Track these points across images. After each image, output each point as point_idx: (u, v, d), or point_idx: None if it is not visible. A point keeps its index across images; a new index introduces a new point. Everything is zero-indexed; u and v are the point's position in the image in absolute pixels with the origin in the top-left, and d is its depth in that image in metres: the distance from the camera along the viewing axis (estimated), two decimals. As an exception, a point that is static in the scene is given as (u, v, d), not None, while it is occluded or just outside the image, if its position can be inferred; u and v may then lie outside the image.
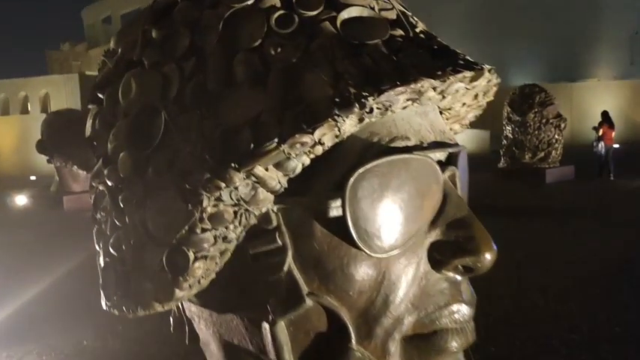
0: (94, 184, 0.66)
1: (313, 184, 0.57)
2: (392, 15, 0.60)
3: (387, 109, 0.54)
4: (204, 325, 0.66)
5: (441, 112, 0.69)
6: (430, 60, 0.55)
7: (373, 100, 0.52)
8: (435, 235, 0.59)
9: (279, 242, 0.57)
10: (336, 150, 0.55)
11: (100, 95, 0.66)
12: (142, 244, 0.58)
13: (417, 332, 0.59)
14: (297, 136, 0.51)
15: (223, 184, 0.53)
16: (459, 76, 0.55)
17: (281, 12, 0.56)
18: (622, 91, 25.10)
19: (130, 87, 0.60)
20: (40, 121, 12.60)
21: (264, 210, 0.56)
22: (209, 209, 0.54)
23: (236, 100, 0.54)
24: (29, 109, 26.32)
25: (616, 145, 14.21)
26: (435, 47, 0.58)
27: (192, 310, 0.68)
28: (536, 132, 13.32)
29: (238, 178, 0.53)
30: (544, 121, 13.18)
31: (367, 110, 0.52)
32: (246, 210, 0.56)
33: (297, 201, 0.57)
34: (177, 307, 0.70)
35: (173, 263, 0.56)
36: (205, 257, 0.56)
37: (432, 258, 0.59)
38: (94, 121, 0.66)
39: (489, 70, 0.60)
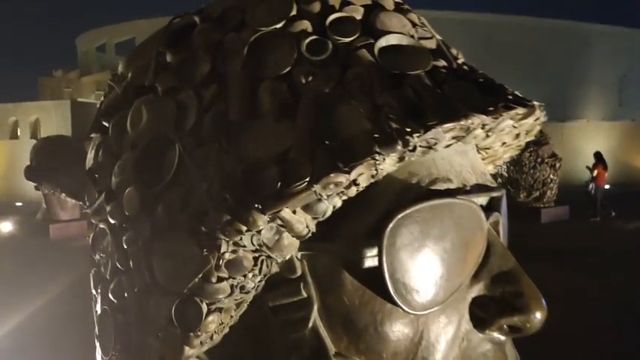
0: (93, 221, 0.60)
1: (343, 229, 0.50)
2: (432, 44, 0.54)
3: (430, 148, 0.48)
4: None
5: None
6: (478, 94, 0.50)
7: (418, 137, 0.46)
8: (477, 290, 0.53)
9: (304, 294, 0.50)
10: (369, 191, 0.49)
11: (105, 123, 0.59)
12: (148, 293, 0.51)
13: None
14: (331, 175, 0.45)
15: (244, 228, 0.47)
16: (512, 113, 0.49)
17: (313, 37, 0.51)
18: (611, 132, 25.36)
19: (141, 115, 0.54)
20: (29, 146, 12.47)
21: (287, 257, 0.50)
22: (227, 255, 0.48)
23: (261, 134, 0.48)
24: (19, 134, 26.17)
25: (607, 186, 14.26)
26: (481, 80, 0.52)
27: None
28: (532, 171, 13.32)
29: (262, 221, 0.47)
30: (539, 160, 13.20)
31: (410, 148, 0.46)
32: (268, 257, 0.49)
33: (325, 247, 0.50)
34: None
35: (183, 316, 0.49)
36: (220, 310, 0.49)
37: (475, 316, 0.53)
38: (97, 152, 0.60)
39: (539, 108, 0.54)
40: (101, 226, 0.58)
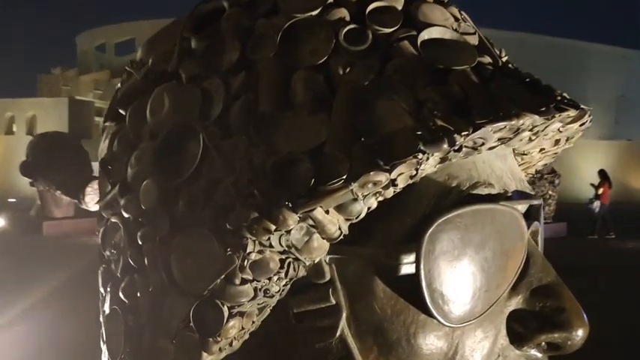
0: (104, 214, 0.56)
1: (376, 232, 0.47)
2: (474, 40, 0.51)
3: (475, 149, 0.45)
4: None
5: None
6: (527, 94, 0.46)
7: (466, 136, 0.42)
8: (515, 303, 0.50)
9: (333, 300, 0.47)
10: (406, 193, 0.46)
11: (122, 111, 0.56)
12: (164, 293, 0.48)
13: None
14: (371, 173, 0.42)
15: (273, 227, 0.43)
16: (564, 114, 0.46)
17: (352, 26, 0.48)
18: (609, 151, 25.42)
19: (162, 103, 0.51)
20: (25, 142, 12.39)
21: (316, 260, 0.46)
22: (253, 256, 0.44)
23: (293, 126, 0.45)
24: (14, 129, 26.07)
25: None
26: (527, 79, 0.49)
27: None
28: (531, 186, 13.29)
29: (293, 220, 0.43)
30: (538, 176, 13.13)
31: (456, 148, 0.43)
32: (296, 259, 0.45)
33: (355, 251, 0.47)
34: None
35: (202, 319, 0.46)
36: (242, 314, 0.46)
37: (512, 331, 0.49)
38: (111, 141, 0.56)
39: (588, 112, 0.51)
40: (113, 220, 0.54)
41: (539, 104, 0.45)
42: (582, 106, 0.49)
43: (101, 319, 0.57)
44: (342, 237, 0.45)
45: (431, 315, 0.45)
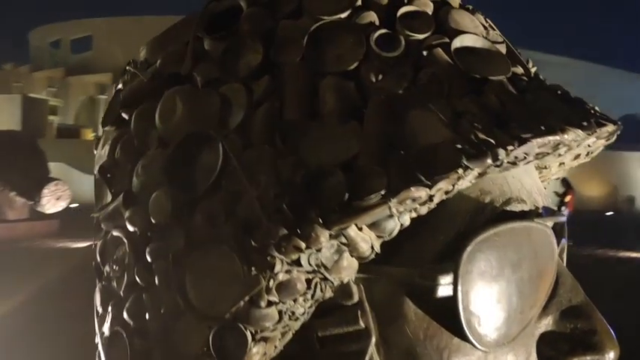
0: (104, 227, 0.52)
1: (407, 251, 0.44)
2: (503, 49, 0.49)
3: (514, 164, 0.43)
4: None
5: None
6: (564, 107, 0.44)
7: (511, 151, 0.40)
8: (545, 325, 0.47)
9: (362, 324, 0.43)
10: (438, 209, 0.43)
11: (125, 115, 0.52)
12: (178, 315, 0.44)
13: None
14: (412, 189, 0.39)
15: (304, 245, 0.40)
16: (604, 130, 0.44)
17: (383, 31, 0.45)
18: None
19: (174, 108, 0.47)
20: (-27, 141, 11.94)
21: (345, 280, 0.43)
22: (280, 276, 0.41)
23: (323, 136, 0.42)
24: (-37, 127, 25.18)
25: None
26: (559, 92, 0.47)
27: None
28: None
29: (325, 237, 0.40)
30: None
31: (498, 163, 0.41)
32: (323, 279, 0.42)
33: (384, 271, 0.44)
34: None
35: (223, 345, 0.42)
36: (265, 339, 0.42)
37: (542, 354, 0.47)
38: (112, 148, 0.52)
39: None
40: (115, 233, 0.50)
41: (581, 118, 0.43)
42: (617, 121, 0.47)
43: (98, 341, 0.53)
44: (373, 256, 0.42)
45: (466, 339, 0.43)
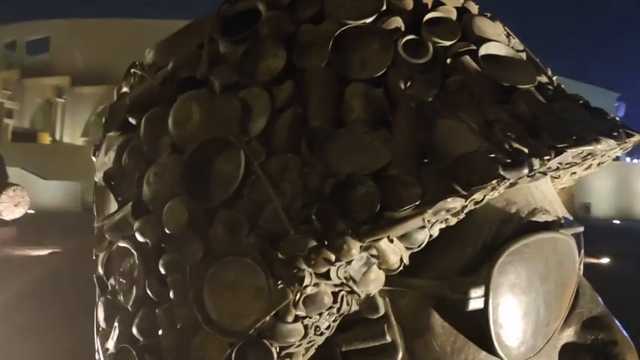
0: (108, 237, 0.49)
1: (432, 262, 0.43)
2: (524, 57, 0.48)
3: (545, 174, 0.42)
4: None
5: None
6: (590, 117, 0.44)
7: (548, 160, 0.39)
8: (567, 336, 0.47)
9: (388, 338, 0.42)
10: (465, 220, 0.42)
11: (132, 120, 0.49)
12: (195, 331, 0.42)
13: None
14: (448, 200, 0.38)
15: (334, 257, 0.38)
16: (632, 140, 0.44)
17: (410, 37, 0.44)
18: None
19: (190, 113, 0.45)
20: None
21: (372, 293, 0.42)
22: (309, 290, 0.39)
23: (351, 144, 0.41)
24: None
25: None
26: (581, 102, 0.47)
27: None
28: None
29: (357, 250, 0.38)
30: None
31: (532, 173, 0.40)
32: (350, 292, 0.41)
33: (410, 283, 0.43)
34: None
35: None
36: (290, 355, 0.41)
37: None
38: (118, 154, 0.50)
39: None
40: (122, 244, 0.47)
41: (610, 129, 0.43)
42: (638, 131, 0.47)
43: (99, 357, 0.50)
44: (401, 268, 0.41)
45: (494, 353, 0.42)
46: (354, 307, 0.42)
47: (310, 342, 0.41)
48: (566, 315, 0.46)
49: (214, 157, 0.43)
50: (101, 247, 0.50)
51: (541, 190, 0.47)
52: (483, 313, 0.41)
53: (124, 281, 0.47)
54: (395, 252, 0.40)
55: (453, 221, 0.41)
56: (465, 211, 0.41)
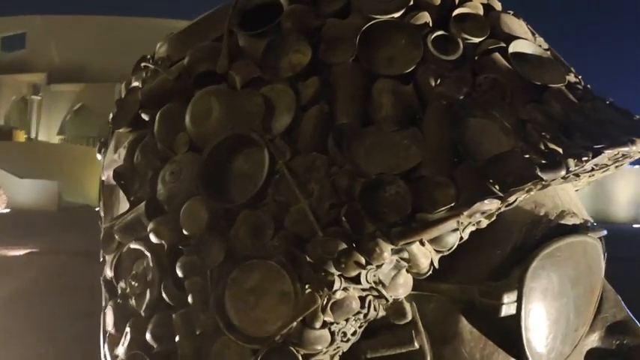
0: (119, 238, 0.47)
1: (460, 265, 0.42)
2: (550, 56, 0.47)
3: (578, 176, 0.41)
4: None
5: None
6: (620, 117, 0.43)
7: (586, 162, 0.38)
8: (592, 341, 0.46)
9: (416, 345, 0.41)
10: (494, 223, 0.41)
11: (145, 116, 0.47)
12: (214, 337, 0.40)
13: None
14: (485, 201, 0.37)
15: (364, 260, 0.37)
16: None
17: (440, 33, 0.42)
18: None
19: (210, 109, 0.43)
20: None
21: (401, 298, 0.40)
22: (338, 294, 0.38)
23: (379, 143, 0.39)
24: None
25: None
26: (608, 102, 0.46)
27: None
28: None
29: (389, 253, 0.37)
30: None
31: (567, 175, 0.39)
32: (378, 297, 0.39)
33: (438, 288, 0.42)
34: None
35: None
36: None
37: None
38: (130, 151, 0.47)
39: None
40: (134, 246, 0.45)
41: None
42: None
43: None
44: (430, 272, 0.40)
45: (524, 358, 0.41)
46: (381, 313, 0.40)
47: (336, 349, 0.40)
48: (592, 320, 0.45)
49: (235, 155, 0.42)
50: (110, 249, 0.48)
51: (567, 193, 0.46)
52: (515, 318, 0.40)
53: (136, 284, 0.45)
54: (426, 255, 0.39)
55: (484, 224, 0.40)
56: (497, 213, 0.40)
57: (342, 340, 0.39)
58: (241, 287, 0.39)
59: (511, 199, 0.38)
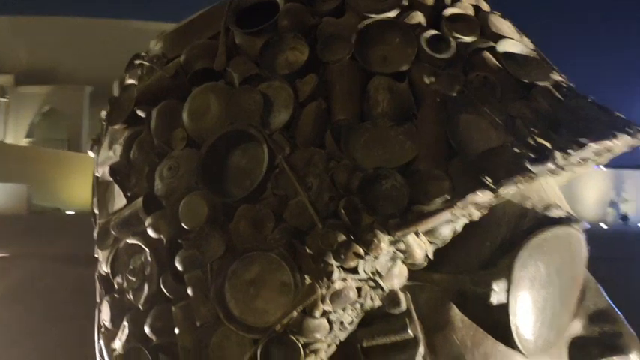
0: (116, 233, 0.47)
1: (452, 256, 0.43)
2: (536, 55, 0.49)
3: (563, 169, 0.43)
4: None
5: None
6: (603, 114, 0.45)
7: (571, 155, 0.40)
8: (575, 329, 0.48)
9: (410, 333, 0.42)
10: (484, 215, 0.43)
11: (141, 113, 0.48)
12: (217, 328, 0.41)
13: None
14: (478, 193, 0.38)
15: (363, 251, 0.38)
16: None
17: (433, 32, 0.44)
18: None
19: (208, 105, 0.44)
20: None
21: (397, 288, 0.42)
22: (337, 284, 0.39)
23: (376, 139, 0.40)
24: None
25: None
26: (590, 99, 0.48)
27: None
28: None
29: (386, 244, 0.38)
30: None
31: (554, 169, 0.41)
32: (374, 287, 0.41)
33: (430, 278, 0.43)
34: None
35: (274, 359, 0.39)
36: (315, 351, 0.40)
37: (574, 358, 0.47)
38: (126, 147, 0.48)
39: None
40: (131, 241, 0.46)
41: (624, 125, 0.44)
42: None
43: (101, 357, 0.48)
44: (425, 263, 0.41)
45: (513, 345, 0.42)
46: (377, 302, 0.42)
47: (334, 337, 0.41)
48: (575, 308, 0.47)
49: (234, 150, 0.42)
50: (105, 245, 0.48)
51: (551, 187, 0.48)
52: (504, 306, 0.42)
53: (133, 279, 0.45)
54: (421, 247, 0.40)
55: (476, 216, 0.41)
56: (489, 205, 0.41)
57: (339, 329, 0.40)
58: (241, 279, 0.40)
59: (502, 191, 0.40)
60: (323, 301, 0.39)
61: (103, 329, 0.49)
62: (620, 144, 0.43)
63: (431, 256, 0.41)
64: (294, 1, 0.45)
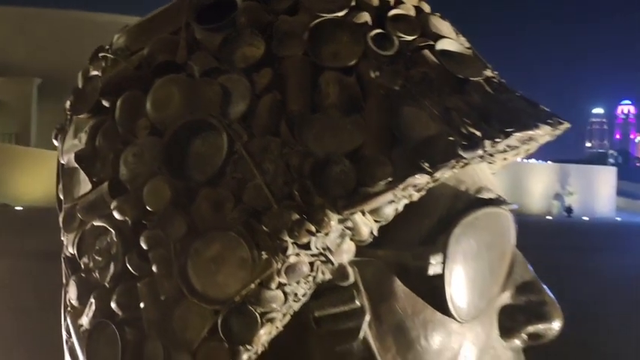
0: (82, 217, 0.50)
1: (395, 234, 0.48)
2: (471, 53, 0.54)
3: (492, 155, 0.48)
4: None
5: None
6: (529, 106, 0.50)
7: (498, 143, 0.45)
8: (504, 299, 0.53)
9: (357, 303, 0.46)
10: (423, 196, 0.47)
11: (105, 103, 0.51)
12: (180, 301, 0.44)
13: None
14: (416, 176, 0.43)
15: (315, 229, 0.42)
16: (562, 127, 0.51)
17: (378, 31, 0.48)
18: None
19: (170, 96, 0.47)
20: None
21: (346, 262, 0.46)
22: (291, 259, 0.43)
23: (326, 127, 0.45)
24: None
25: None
26: (518, 94, 0.53)
27: None
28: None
29: (335, 222, 0.43)
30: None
31: (483, 154, 0.46)
32: (325, 262, 0.45)
33: (375, 254, 0.47)
34: None
35: (233, 327, 0.43)
36: (271, 320, 0.44)
37: (501, 324, 0.53)
38: (91, 136, 0.51)
39: None
40: (97, 223, 0.49)
41: (546, 117, 0.49)
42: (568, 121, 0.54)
43: (72, 335, 0.51)
44: (370, 239, 0.46)
45: (448, 313, 0.47)
46: (328, 276, 0.46)
47: (289, 308, 0.45)
48: (504, 280, 0.52)
49: (195, 138, 0.46)
50: (71, 228, 0.51)
51: (484, 172, 0.53)
52: (440, 277, 0.46)
53: (99, 259, 0.48)
54: (366, 224, 0.44)
55: (416, 197, 0.46)
56: (427, 187, 0.46)
57: (293, 300, 0.44)
58: (203, 257, 0.44)
59: (438, 174, 0.44)
60: (279, 274, 0.43)
61: (69, 308, 0.51)
62: (543, 133, 0.48)
63: (376, 233, 0.45)
64: (252, 0, 0.49)
